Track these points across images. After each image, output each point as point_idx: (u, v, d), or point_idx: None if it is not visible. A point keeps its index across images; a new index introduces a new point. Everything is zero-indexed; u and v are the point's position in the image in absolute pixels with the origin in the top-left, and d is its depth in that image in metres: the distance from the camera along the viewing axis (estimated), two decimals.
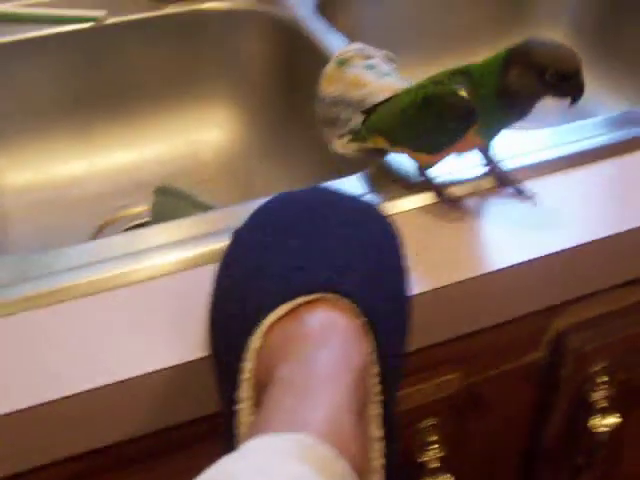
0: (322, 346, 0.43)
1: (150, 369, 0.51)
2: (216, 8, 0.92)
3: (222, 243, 0.51)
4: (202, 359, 0.51)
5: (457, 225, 0.62)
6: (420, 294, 0.56)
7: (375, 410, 0.44)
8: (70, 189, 0.91)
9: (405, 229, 0.54)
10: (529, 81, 0.55)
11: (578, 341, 0.69)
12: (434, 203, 0.63)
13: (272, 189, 0.55)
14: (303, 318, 0.44)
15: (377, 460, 0.43)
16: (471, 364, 0.66)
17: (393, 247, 0.53)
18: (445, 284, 0.57)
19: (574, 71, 0.54)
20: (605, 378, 0.71)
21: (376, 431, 0.44)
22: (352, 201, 0.55)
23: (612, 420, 0.71)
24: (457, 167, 0.65)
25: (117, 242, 0.60)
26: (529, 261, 0.59)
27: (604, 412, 0.71)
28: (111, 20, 0.89)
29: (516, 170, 0.66)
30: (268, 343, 0.44)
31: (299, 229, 0.50)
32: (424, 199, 0.64)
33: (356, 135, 0.70)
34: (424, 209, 0.63)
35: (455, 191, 0.64)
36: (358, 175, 0.67)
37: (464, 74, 0.58)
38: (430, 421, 0.65)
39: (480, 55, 1.01)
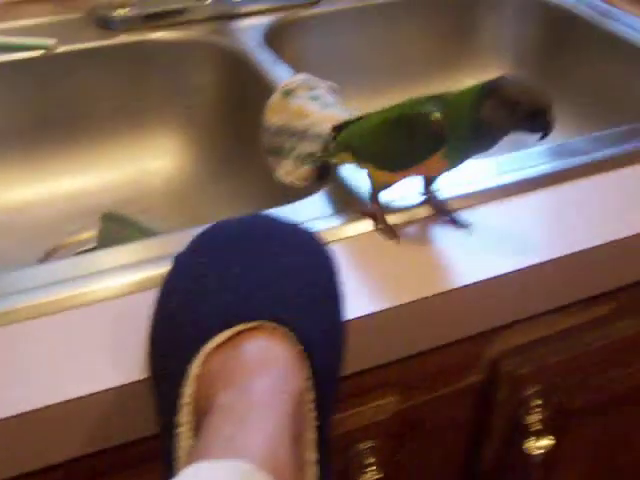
0: (260, 375, 0.44)
1: (92, 390, 0.51)
2: (165, 38, 0.93)
3: (167, 267, 0.52)
4: (144, 380, 0.52)
5: (394, 251, 0.63)
6: (357, 318, 0.57)
7: (311, 435, 0.46)
8: (19, 215, 0.91)
9: (345, 255, 0.56)
10: (502, 115, 0.57)
11: (512, 365, 0.71)
12: (374, 230, 0.65)
13: (219, 216, 0.56)
14: (242, 346, 0.46)
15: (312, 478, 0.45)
16: (408, 388, 0.67)
17: (330, 274, 0.55)
18: (382, 309, 0.58)
19: (545, 108, 0.57)
20: (539, 401, 0.73)
21: (311, 455, 0.45)
22: (291, 229, 0.56)
23: (546, 442, 0.73)
24: (396, 196, 0.67)
25: (64, 266, 0.61)
26: (464, 287, 0.61)
27: (538, 435, 0.73)
28: (62, 48, 0.90)
29: (458, 198, 0.68)
30: (208, 370, 0.46)
31: (239, 256, 0.51)
32: (365, 226, 0.65)
33: (324, 152, 0.72)
34: (365, 235, 0.65)
35: (393, 219, 0.66)
36: (302, 202, 0.68)
37: (440, 100, 0.60)
38: (368, 443, 0.66)
39: (425, 87, 1.06)
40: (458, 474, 0.77)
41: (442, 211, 0.67)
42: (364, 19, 1.02)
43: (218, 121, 0.95)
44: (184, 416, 0.45)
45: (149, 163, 0.96)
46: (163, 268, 0.53)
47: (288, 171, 0.78)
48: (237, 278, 0.50)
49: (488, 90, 0.57)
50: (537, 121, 0.57)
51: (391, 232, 0.65)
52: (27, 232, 0.90)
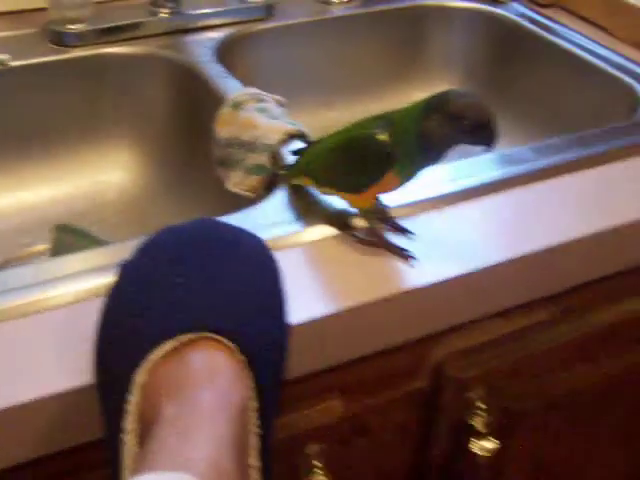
0: (204, 387, 0.46)
1: (41, 394, 0.52)
2: (119, 53, 0.94)
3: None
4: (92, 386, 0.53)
5: (341, 258, 0.65)
6: (302, 323, 0.59)
7: (254, 442, 0.48)
8: None
9: (293, 260, 0.58)
10: (447, 128, 0.59)
11: (456, 369, 0.72)
12: (323, 238, 0.67)
13: None
14: (186, 357, 0.47)
15: None
16: (353, 392, 0.69)
17: (274, 280, 0.56)
18: (326, 313, 0.60)
19: (489, 121, 0.59)
20: (483, 405, 0.75)
21: (254, 462, 0.47)
22: (237, 234, 0.58)
23: (491, 445, 0.75)
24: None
25: (15, 275, 0.62)
26: (407, 291, 0.63)
27: (483, 437, 0.75)
28: (15, 63, 0.91)
29: (407, 205, 0.70)
30: (152, 379, 0.47)
31: (184, 265, 0.53)
32: (316, 233, 0.67)
33: (287, 174, 0.73)
34: (315, 242, 0.67)
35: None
36: (254, 209, 0.70)
37: (386, 119, 0.62)
38: (315, 446, 0.68)
39: (377, 100, 1.08)
40: (407, 476, 0.78)
41: (386, 219, 0.69)
42: (316, 33, 1.05)
43: (170, 134, 0.97)
44: (129, 423, 0.46)
45: (102, 176, 0.97)
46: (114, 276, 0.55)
47: (238, 181, 0.80)
48: (181, 288, 0.51)
49: (433, 105, 0.59)
50: (481, 134, 0.59)
51: (403, 256, 0.66)
52: None
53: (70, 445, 0.56)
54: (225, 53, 0.95)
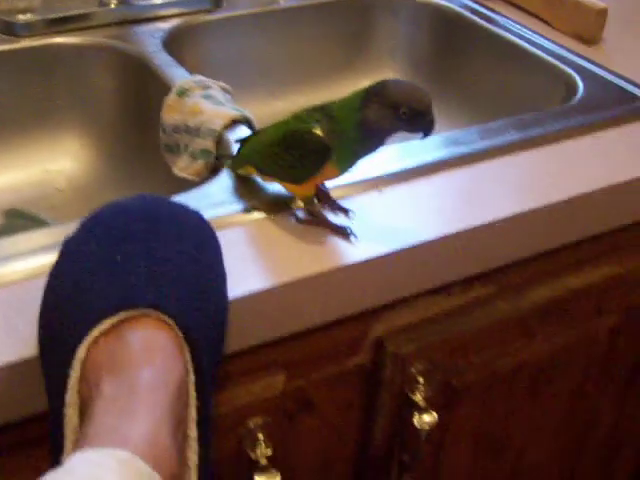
0: (142, 365, 0.48)
1: None
2: (69, 42, 0.95)
3: None
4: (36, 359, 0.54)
5: (281, 236, 0.67)
6: (243, 296, 0.60)
7: (192, 414, 0.50)
8: None
9: (234, 238, 0.60)
10: (385, 117, 0.60)
11: (396, 345, 0.74)
12: (264, 218, 0.69)
13: None
14: (126, 335, 0.49)
15: (193, 458, 0.49)
16: (296, 367, 0.71)
17: (214, 258, 0.58)
18: (266, 287, 0.62)
19: (425, 108, 0.60)
20: (423, 380, 0.77)
21: (192, 432, 0.49)
22: (179, 211, 0.59)
23: (430, 419, 0.77)
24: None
25: None
26: (347, 265, 0.65)
27: (425, 412, 0.77)
28: None
29: (350, 184, 0.73)
30: (93, 355, 0.49)
31: (125, 242, 0.54)
32: (258, 214, 0.69)
33: (231, 163, 0.74)
34: (257, 221, 0.68)
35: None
36: (200, 190, 0.72)
37: (324, 111, 0.63)
38: (259, 419, 0.70)
39: (324, 90, 1.11)
40: (351, 450, 0.80)
41: (327, 201, 0.71)
42: (263, 24, 1.06)
43: (119, 122, 0.98)
44: (70, 397, 0.48)
45: (52, 164, 0.98)
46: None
47: (184, 166, 0.82)
48: (122, 265, 0.52)
49: (371, 94, 0.61)
50: (418, 121, 0.61)
51: (343, 233, 0.68)
52: None
53: (16, 418, 0.57)
54: (173, 43, 0.97)
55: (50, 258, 0.60)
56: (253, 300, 0.62)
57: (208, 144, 0.79)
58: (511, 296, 0.81)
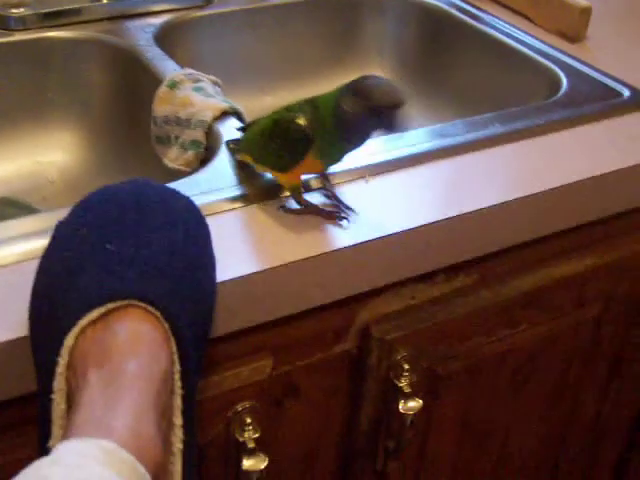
0: (128, 355, 0.49)
1: None
2: (61, 37, 0.97)
3: None
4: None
5: (270, 223, 0.69)
6: (230, 280, 0.62)
7: (177, 403, 0.51)
8: None
9: (221, 226, 0.62)
10: (357, 109, 0.62)
11: (382, 332, 0.76)
12: (256, 205, 0.70)
13: None
14: (113, 325, 0.50)
15: (178, 445, 0.51)
16: (283, 352, 0.72)
17: (203, 245, 0.60)
18: (253, 271, 0.63)
19: (392, 105, 0.61)
20: (408, 366, 0.79)
21: (177, 420, 0.51)
22: (170, 197, 0.60)
23: (415, 405, 0.78)
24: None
25: None
26: (328, 253, 0.66)
27: (410, 398, 0.78)
28: None
29: (340, 172, 0.74)
30: (81, 344, 0.50)
31: (116, 229, 0.55)
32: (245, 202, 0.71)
33: (234, 150, 0.76)
34: (245, 209, 0.70)
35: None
36: (190, 178, 0.73)
37: (312, 103, 0.65)
38: (246, 404, 0.71)
39: (314, 85, 1.12)
40: (337, 436, 0.82)
41: (333, 197, 0.72)
42: (254, 20, 1.08)
43: (111, 115, 0.99)
44: (58, 383, 0.50)
45: (44, 155, 0.99)
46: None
47: (174, 157, 0.84)
48: (112, 254, 0.54)
49: (349, 87, 0.63)
50: (384, 116, 0.62)
51: (333, 218, 0.69)
52: None
53: (11, 397, 0.59)
54: (164, 38, 0.98)
55: (40, 243, 0.61)
56: (240, 284, 0.63)
57: (198, 135, 0.81)
58: (495, 285, 0.82)
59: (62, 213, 0.59)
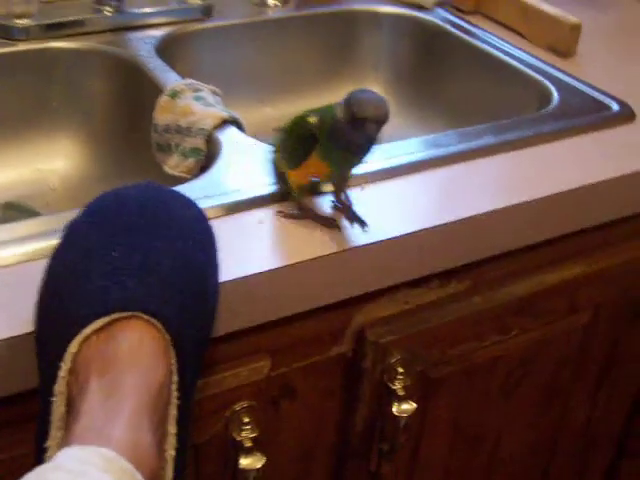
0: (128, 366, 0.51)
1: None
2: (63, 47, 0.99)
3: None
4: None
5: (271, 226, 0.71)
6: (229, 281, 0.64)
7: (173, 412, 0.53)
8: None
9: (227, 228, 0.64)
10: (344, 120, 0.65)
11: (376, 335, 0.78)
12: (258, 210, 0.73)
13: None
14: (116, 336, 0.52)
15: (171, 452, 0.53)
16: (281, 354, 0.74)
17: (209, 254, 0.61)
18: (253, 273, 0.65)
19: (374, 118, 0.64)
20: (402, 370, 0.80)
21: (171, 428, 0.53)
22: (178, 204, 0.62)
23: (408, 407, 0.80)
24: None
25: None
26: (324, 256, 0.68)
27: (403, 400, 0.80)
28: None
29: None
30: (84, 351, 0.52)
31: (124, 236, 0.57)
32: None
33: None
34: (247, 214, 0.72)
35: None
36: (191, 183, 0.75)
37: (323, 110, 0.68)
38: (244, 403, 0.73)
39: (311, 98, 1.14)
40: (333, 437, 0.83)
41: (345, 208, 0.74)
42: (252, 34, 1.11)
43: (112, 123, 1.01)
44: (60, 387, 0.52)
45: (47, 163, 1.01)
46: (54, 241, 0.59)
47: (175, 164, 0.86)
48: (119, 262, 0.55)
49: (344, 100, 0.66)
50: (360, 127, 0.64)
51: (330, 225, 0.72)
52: None
53: (11, 393, 0.60)
54: (165, 50, 1.01)
55: (42, 245, 0.64)
56: (241, 284, 0.65)
57: (199, 143, 0.83)
58: (487, 291, 0.84)
59: (64, 216, 0.61)
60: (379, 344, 0.78)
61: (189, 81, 0.89)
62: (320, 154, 0.68)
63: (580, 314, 0.93)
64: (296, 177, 0.72)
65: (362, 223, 0.72)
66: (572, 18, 1.07)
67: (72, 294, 0.54)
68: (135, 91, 0.98)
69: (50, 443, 0.51)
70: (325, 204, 0.74)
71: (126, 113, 1.00)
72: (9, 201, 0.89)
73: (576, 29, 1.06)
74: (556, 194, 0.80)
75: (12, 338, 0.58)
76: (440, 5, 1.19)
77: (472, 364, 0.87)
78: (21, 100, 0.99)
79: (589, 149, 0.88)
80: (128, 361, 0.51)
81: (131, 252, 0.56)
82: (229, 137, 0.82)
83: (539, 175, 0.82)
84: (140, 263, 0.55)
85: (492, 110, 1.04)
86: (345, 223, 0.72)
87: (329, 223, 0.71)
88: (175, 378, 0.54)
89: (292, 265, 0.67)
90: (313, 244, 0.69)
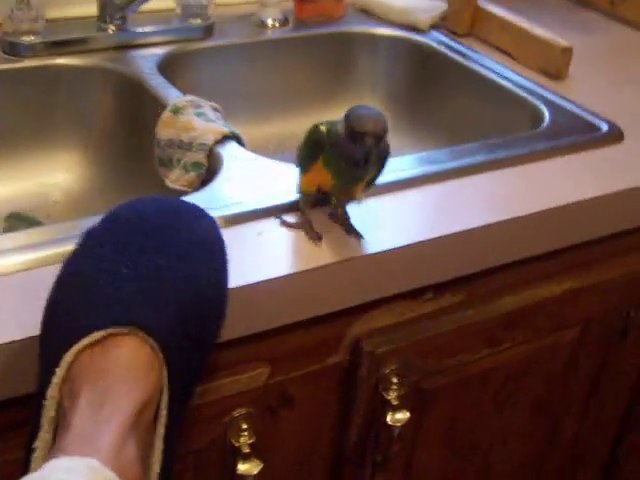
0: (119, 381, 0.53)
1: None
2: (67, 64, 1.02)
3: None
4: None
5: (273, 237, 0.73)
6: (232, 289, 0.65)
7: (160, 430, 0.55)
8: None
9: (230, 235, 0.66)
10: (343, 133, 0.67)
11: (372, 345, 0.80)
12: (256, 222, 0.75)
13: None
14: (110, 350, 0.54)
15: (155, 468, 0.55)
16: (279, 363, 0.76)
17: (219, 271, 0.63)
18: (252, 282, 0.67)
19: (367, 131, 0.66)
20: (397, 380, 0.82)
21: (159, 444, 0.55)
22: (193, 221, 0.64)
23: (402, 416, 0.82)
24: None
25: None
26: (320, 267, 0.70)
27: (397, 410, 0.82)
28: None
29: None
30: (80, 361, 0.54)
31: (135, 254, 0.59)
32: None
33: None
34: (243, 227, 0.74)
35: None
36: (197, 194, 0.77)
37: (335, 122, 0.70)
38: (243, 410, 0.75)
39: (307, 116, 1.17)
40: (328, 445, 0.85)
41: (344, 221, 0.76)
42: (251, 54, 1.14)
43: (115, 138, 1.04)
44: (52, 392, 0.54)
45: (50, 177, 1.03)
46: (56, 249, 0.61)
47: (176, 178, 0.88)
48: (125, 278, 0.57)
49: (344, 116, 0.68)
50: (354, 141, 0.67)
51: (316, 236, 0.74)
52: None
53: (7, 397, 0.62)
54: (167, 68, 1.03)
55: (45, 253, 0.66)
56: (241, 292, 0.67)
57: (200, 157, 0.85)
58: (479, 305, 0.86)
59: (66, 227, 0.62)
60: (375, 354, 0.80)
61: (190, 97, 0.92)
62: (324, 162, 0.71)
63: (569, 329, 0.95)
64: (305, 182, 0.75)
65: (359, 235, 0.74)
66: (563, 42, 1.10)
67: (78, 304, 0.57)
68: (136, 107, 1.00)
69: (38, 444, 0.53)
70: (325, 218, 0.76)
71: (127, 128, 1.02)
72: (14, 212, 0.90)
73: (567, 52, 1.09)
74: (546, 210, 0.82)
75: (7, 344, 0.59)
76: (435, 28, 1.22)
77: (466, 375, 0.89)
78: (25, 115, 1.02)
79: (579, 168, 0.90)
80: (120, 376, 0.53)
81: (140, 271, 0.58)
82: (230, 152, 0.85)
83: (530, 192, 0.85)
84: (147, 283, 0.57)
85: (485, 130, 1.06)
86: (342, 235, 0.74)
87: (314, 238, 0.74)
88: (165, 397, 0.56)
89: (290, 275, 0.69)
90: (311, 255, 0.71)
